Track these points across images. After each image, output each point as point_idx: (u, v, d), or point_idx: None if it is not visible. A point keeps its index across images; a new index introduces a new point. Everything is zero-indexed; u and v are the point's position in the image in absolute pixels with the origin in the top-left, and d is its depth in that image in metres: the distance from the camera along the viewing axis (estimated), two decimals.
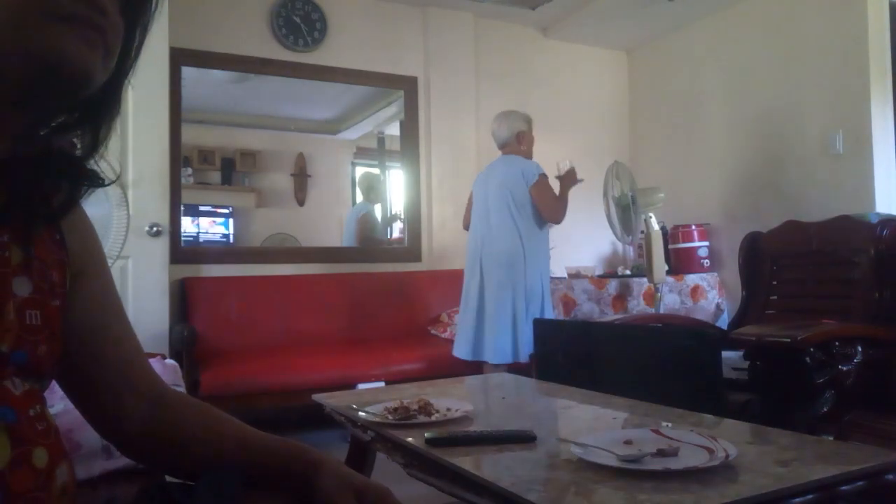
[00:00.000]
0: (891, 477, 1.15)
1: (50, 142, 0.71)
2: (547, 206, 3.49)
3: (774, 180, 4.33)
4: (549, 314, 3.53)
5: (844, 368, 2.11)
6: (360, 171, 5.99)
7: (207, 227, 5.30)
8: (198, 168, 5.25)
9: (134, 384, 0.84)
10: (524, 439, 1.38)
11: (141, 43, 0.75)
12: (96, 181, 0.74)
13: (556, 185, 3.59)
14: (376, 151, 5.99)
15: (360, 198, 5.56)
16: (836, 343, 2.12)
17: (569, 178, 3.64)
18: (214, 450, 0.84)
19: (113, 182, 0.77)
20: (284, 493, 0.80)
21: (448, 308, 4.32)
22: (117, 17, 0.65)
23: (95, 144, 0.74)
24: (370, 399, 1.86)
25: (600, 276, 4.47)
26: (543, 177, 3.49)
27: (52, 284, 0.72)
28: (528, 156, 3.66)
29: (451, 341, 4.03)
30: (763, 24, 4.42)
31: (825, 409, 2.06)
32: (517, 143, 3.64)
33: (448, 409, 1.63)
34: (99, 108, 0.74)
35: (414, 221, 4.78)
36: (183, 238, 4.35)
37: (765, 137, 4.41)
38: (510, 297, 3.41)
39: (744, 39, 4.56)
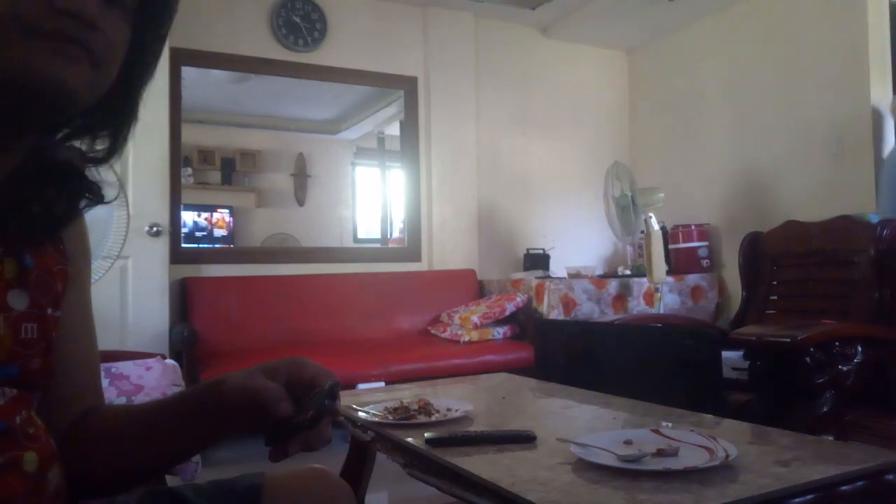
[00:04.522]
0: (891, 477, 1.15)
1: (56, 152, 0.70)
2: None
3: (774, 180, 4.33)
4: None
5: (844, 368, 2.11)
6: (360, 170, 6.00)
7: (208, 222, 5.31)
8: (198, 168, 5.27)
9: (67, 401, 0.78)
10: (524, 439, 1.38)
11: (157, 51, 0.74)
12: (98, 196, 0.74)
13: None
14: (376, 151, 6.01)
15: None
16: (836, 343, 2.12)
17: None
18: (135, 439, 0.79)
19: (114, 200, 0.76)
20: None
21: (447, 308, 4.33)
22: (112, 29, 0.64)
23: (112, 151, 0.74)
24: (370, 399, 1.86)
25: (600, 276, 4.47)
26: None
27: (56, 296, 0.71)
28: None
29: (451, 341, 4.04)
30: (763, 24, 4.42)
31: (825, 409, 2.06)
32: None
33: (448, 409, 1.63)
34: (113, 116, 0.73)
35: (414, 221, 4.78)
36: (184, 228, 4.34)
37: (765, 137, 4.41)
38: None
39: (744, 39, 4.56)
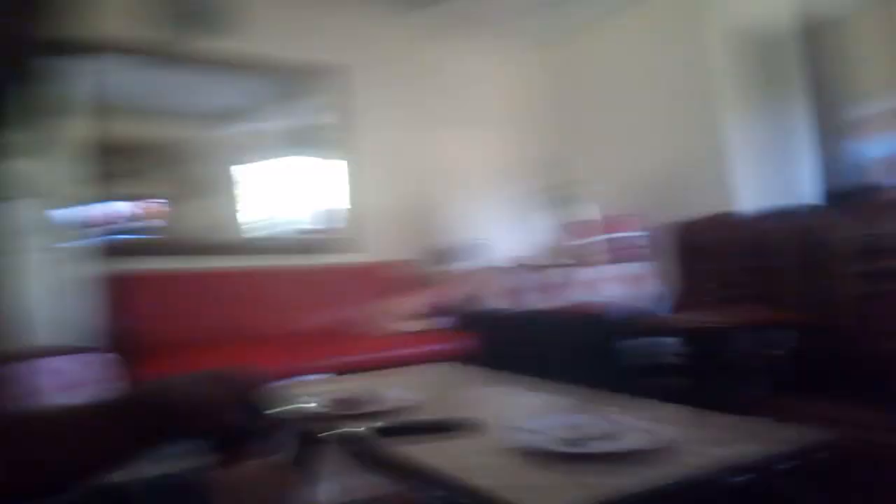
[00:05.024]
0: (822, 455, 1.20)
1: None
2: None
3: (707, 171, 4.44)
4: None
5: (776, 353, 2.19)
6: (289, 161, 5.91)
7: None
8: (126, 158, 5.10)
9: None
10: (472, 427, 1.39)
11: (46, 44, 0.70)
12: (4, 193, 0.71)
13: None
14: (304, 142, 5.92)
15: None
16: (768, 329, 2.20)
17: None
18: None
19: (28, 198, 0.74)
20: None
21: (388, 299, 4.30)
22: None
23: (35, 145, 0.72)
24: (317, 390, 1.85)
25: (539, 266, 4.51)
26: None
27: None
28: None
29: (394, 332, 4.02)
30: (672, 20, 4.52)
31: (759, 393, 2.14)
32: None
33: (396, 399, 1.63)
34: (19, 111, 0.70)
35: (352, 213, 4.76)
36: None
37: (688, 128, 4.51)
38: None
39: (657, 33, 4.66)
